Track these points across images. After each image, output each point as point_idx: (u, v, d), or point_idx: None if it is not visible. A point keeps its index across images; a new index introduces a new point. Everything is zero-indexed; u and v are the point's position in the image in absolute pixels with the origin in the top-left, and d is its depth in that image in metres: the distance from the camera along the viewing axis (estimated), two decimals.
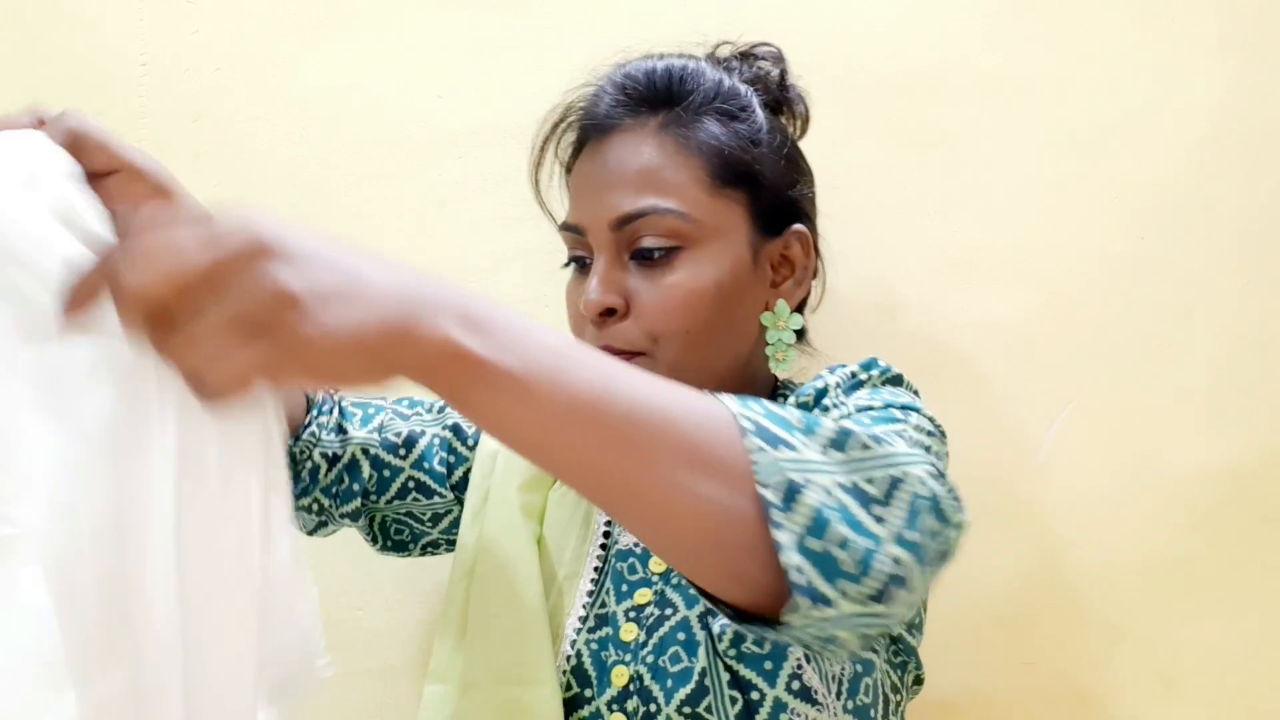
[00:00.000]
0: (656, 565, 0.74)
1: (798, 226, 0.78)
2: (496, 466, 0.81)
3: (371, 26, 1.02)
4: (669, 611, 0.70)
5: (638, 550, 0.75)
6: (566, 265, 0.80)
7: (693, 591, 0.69)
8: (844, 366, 0.71)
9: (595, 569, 0.76)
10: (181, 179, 1.13)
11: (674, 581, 0.72)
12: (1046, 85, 0.99)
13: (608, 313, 0.74)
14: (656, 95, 0.77)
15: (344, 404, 0.85)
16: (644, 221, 0.73)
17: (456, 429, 0.85)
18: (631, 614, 0.72)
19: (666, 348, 0.73)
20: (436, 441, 0.84)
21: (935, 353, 0.98)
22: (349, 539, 0.99)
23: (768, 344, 0.79)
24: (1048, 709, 0.96)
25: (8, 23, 1.02)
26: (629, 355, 0.73)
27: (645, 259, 0.73)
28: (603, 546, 0.77)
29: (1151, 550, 0.95)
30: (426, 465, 0.83)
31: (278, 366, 0.38)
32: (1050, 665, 0.96)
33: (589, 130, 0.79)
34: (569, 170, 0.84)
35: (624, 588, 0.73)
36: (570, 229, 0.78)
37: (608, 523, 0.78)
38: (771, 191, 0.77)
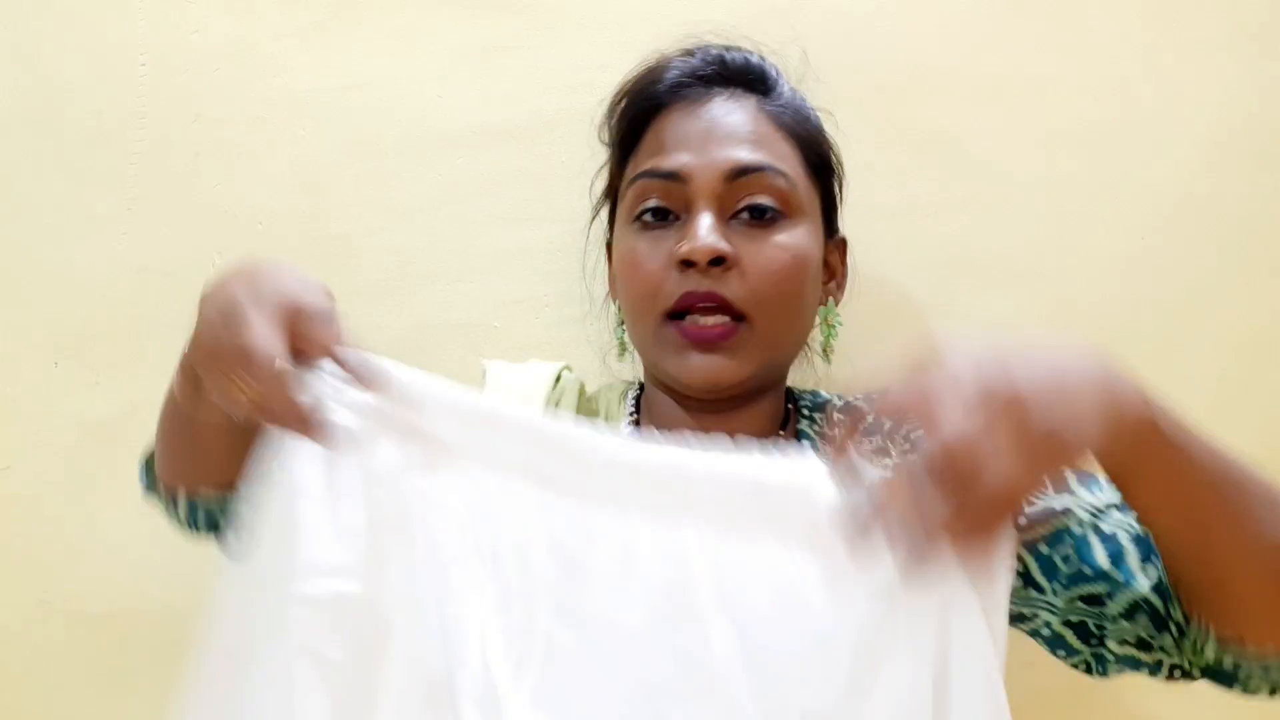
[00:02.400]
0: None
1: (841, 236, 0.82)
2: None
3: (371, 26, 1.02)
4: None
5: None
6: (640, 216, 0.74)
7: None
8: None
9: None
10: (181, 179, 1.13)
11: None
12: (1046, 85, 0.99)
13: (716, 261, 0.70)
14: (751, 78, 0.77)
15: None
16: (760, 176, 0.71)
17: None
18: None
19: (765, 315, 0.71)
20: None
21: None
22: None
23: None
24: (1048, 709, 0.96)
25: (6, 22, 1.02)
26: (734, 317, 0.70)
27: (755, 217, 0.72)
28: None
29: None
30: None
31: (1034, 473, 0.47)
32: (1050, 665, 0.96)
33: (685, 87, 0.76)
34: (643, 123, 0.78)
35: None
36: (667, 175, 0.73)
37: None
38: (836, 194, 0.80)
